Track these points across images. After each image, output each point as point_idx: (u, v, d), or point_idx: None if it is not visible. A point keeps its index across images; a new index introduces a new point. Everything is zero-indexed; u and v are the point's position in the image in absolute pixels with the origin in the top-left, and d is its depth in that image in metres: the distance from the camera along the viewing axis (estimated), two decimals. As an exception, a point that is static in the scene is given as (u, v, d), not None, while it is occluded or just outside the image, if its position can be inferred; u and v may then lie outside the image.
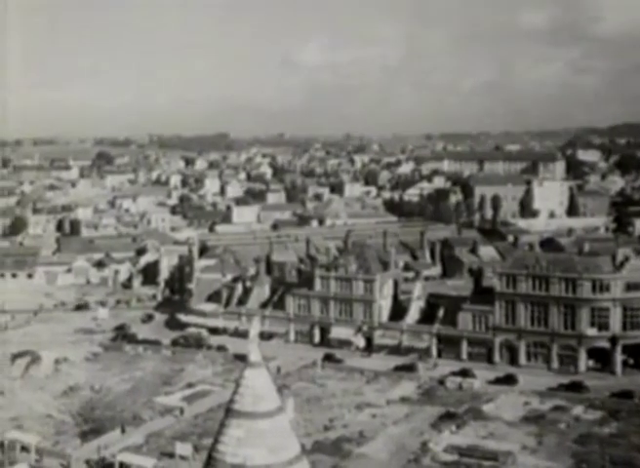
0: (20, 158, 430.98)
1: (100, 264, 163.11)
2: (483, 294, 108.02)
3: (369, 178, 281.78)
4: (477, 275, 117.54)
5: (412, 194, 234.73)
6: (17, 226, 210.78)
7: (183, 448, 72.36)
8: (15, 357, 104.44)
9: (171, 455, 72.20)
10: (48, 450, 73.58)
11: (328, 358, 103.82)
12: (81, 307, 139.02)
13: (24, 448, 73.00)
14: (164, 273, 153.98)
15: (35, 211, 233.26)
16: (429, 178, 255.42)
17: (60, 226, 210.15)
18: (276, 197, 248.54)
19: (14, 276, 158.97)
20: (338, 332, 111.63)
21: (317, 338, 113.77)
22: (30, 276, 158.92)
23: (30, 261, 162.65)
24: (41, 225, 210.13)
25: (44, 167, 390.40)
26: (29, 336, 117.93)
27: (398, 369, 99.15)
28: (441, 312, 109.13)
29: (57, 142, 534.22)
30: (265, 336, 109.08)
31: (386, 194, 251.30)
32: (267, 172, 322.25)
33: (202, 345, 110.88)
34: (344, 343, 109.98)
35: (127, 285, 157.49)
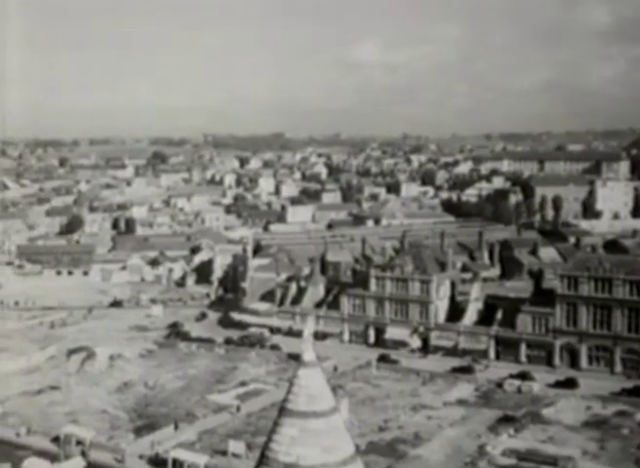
0: (76, 157, 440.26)
1: (154, 262, 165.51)
2: (543, 296, 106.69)
3: (426, 178, 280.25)
4: (537, 277, 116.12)
5: (470, 194, 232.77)
6: (73, 224, 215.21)
7: (236, 446, 72.98)
8: (70, 353, 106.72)
9: (224, 453, 72.86)
10: (102, 445, 74.94)
11: (383, 358, 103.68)
12: (116, 304, 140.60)
13: (80, 442, 74.42)
14: (218, 272, 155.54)
15: (91, 209, 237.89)
16: (488, 178, 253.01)
17: (115, 224, 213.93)
18: (331, 197, 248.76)
19: (70, 273, 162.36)
20: (393, 333, 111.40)
21: (372, 339, 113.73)
22: (86, 273, 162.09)
23: (86, 259, 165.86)
24: (97, 223, 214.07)
25: (100, 166, 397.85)
26: (85, 333, 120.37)
27: (455, 370, 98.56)
28: (499, 314, 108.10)
29: (113, 142, 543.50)
30: (320, 336, 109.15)
31: (444, 194, 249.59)
32: (323, 171, 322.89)
33: (264, 345, 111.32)
34: (400, 344, 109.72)
35: (181, 283, 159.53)
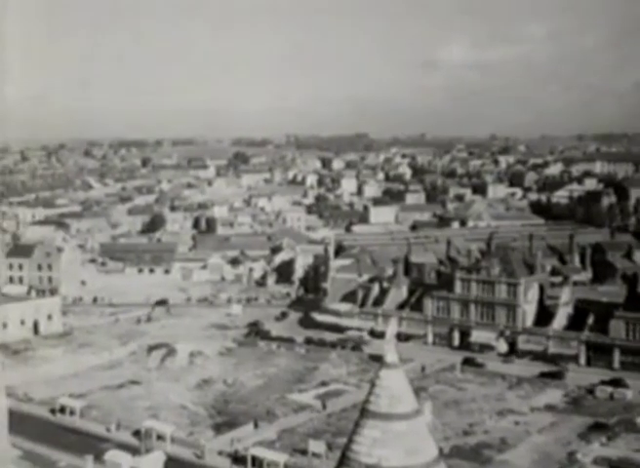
0: (159, 157, 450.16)
1: (234, 262, 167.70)
2: (638, 302, 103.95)
3: (514, 180, 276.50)
4: (632, 281, 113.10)
5: (560, 196, 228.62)
6: (155, 223, 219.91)
7: (317, 446, 73.35)
8: (151, 349, 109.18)
9: (303, 452, 73.31)
10: (182, 440, 76.34)
11: (468, 362, 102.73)
12: (161, 303, 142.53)
13: (160, 437, 75.98)
14: (299, 272, 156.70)
15: (173, 208, 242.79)
16: (580, 180, 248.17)
17: (196, 224, 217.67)
18: (415, 198, 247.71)
19: (151, 271, 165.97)
20: (478, 336, 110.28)
21: (456, 341, 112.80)
22: (167, 271, 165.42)
23: (167, 257, 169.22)
24: (178, 223, 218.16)
25: (182, 166, 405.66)
26: (165, 329, 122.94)
27: (543, 375, 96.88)
28: (591, 319, 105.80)
29: (195, 143, 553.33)
30: (402, 338, 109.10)
31: (533, 196, 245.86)
32: (407, 172, 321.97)
33: (361, 349, 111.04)
34: (485, 347, 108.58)
35: (261, 282, 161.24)
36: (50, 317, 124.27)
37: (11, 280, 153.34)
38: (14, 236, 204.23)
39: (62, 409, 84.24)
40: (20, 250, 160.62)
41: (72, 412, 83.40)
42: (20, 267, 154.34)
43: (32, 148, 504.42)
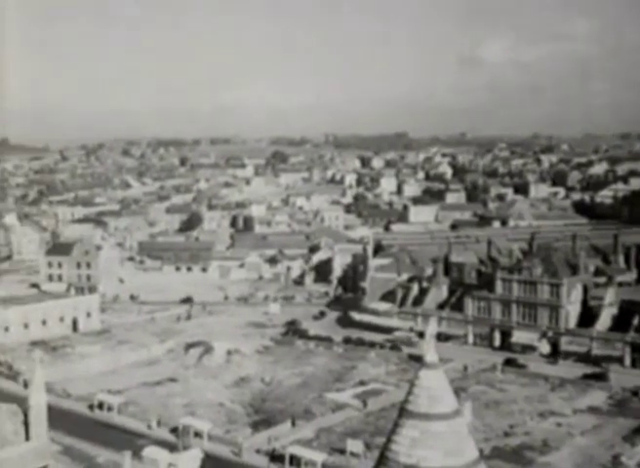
0: (197, 157, 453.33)
1: (272, 260, 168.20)
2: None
3: (557, 179, 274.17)
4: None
5: (605, 196, 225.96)
6: (192, 222, 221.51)
7: (355, 445, 73.19)
8: (189, 346, 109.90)
9: (341, 452, 73.19)
10: (219, 437, 76.65)
11: (509, 362, 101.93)
12: (187, 300, 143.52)
13: (197, 434, 76.41)
14: (337, 271, 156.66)
15: (210, 207, 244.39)
16: (625, 179, 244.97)
17: (233, 222, 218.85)
18: (456, 197, 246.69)
19: (189, 269, 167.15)
20: (520, 337, 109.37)
21: (497, 342, 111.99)
22: (205, 270, 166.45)
23: (205, 256, 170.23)
24: (216, 221, 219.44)
25: (220, 165, 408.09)
26: (203, 328, 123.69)
27: (586, 377, 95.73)
28: (636, 320, 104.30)
29: (233, 142, 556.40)
30: (442, 338, 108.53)
31: (576, 195, 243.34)
32: (447, 171, 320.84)
33: (400, 349, 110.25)
34: (527, 348, 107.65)
35: (299, 281, 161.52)
36: (88, 314, 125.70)
37: (50, 278, 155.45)
38: (53, 234, 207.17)
39: (101, 406, 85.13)
40: (59, 248, 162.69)
41: (110, 409, 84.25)
42: (60, 265, 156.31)
43: (72, 148, 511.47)
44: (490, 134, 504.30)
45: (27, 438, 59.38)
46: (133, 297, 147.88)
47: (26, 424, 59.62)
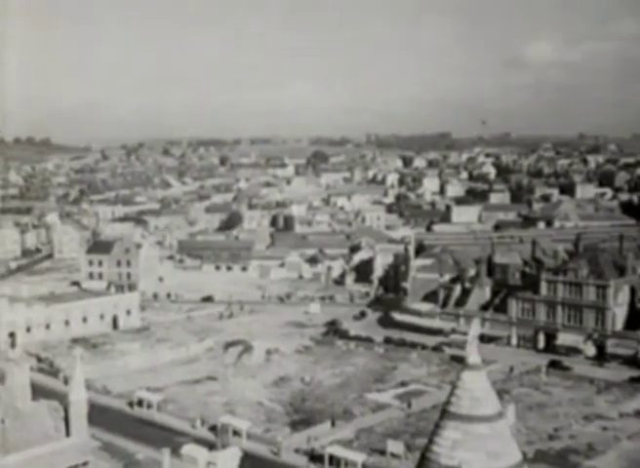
0: (237, 156, 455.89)
1: (312, 260, 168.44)
2: None
3: (604, 180, 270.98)
4: None
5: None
6: (232, 221, 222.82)
7: (395, 446, 72.97)
8: (228, 345, 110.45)
9: (382, 452, 73.00)
10: (258, 436, 76.91)
11: (553, 364, 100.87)
12: (208, 299, 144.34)
13: (236, 433, 76.73)
14: (378, 271, 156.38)
15: (250, 206, 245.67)
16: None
17: (273, 222, 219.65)
18: (500, 197, 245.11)
19: (229, 268, 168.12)
20: (565, 339, 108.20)
21: (542, 344, 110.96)
22: (244, 269, 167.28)
23: (244, 255, 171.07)
24: (255, 220, 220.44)
25: (260, 165, 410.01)
26: (242, 326, 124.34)
27: (633, 380, 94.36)
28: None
29: (273, 141, 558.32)
30: (485, 339, 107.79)
31: (624, 196, 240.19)
32: (491, 171, 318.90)
33: (442, 350, 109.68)
34: (572, 351, 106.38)
35: (339, 281, 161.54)
36: (128, 312, 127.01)
37: (91, 276, 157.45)
38: (94, 233, 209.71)
39: (140, 403, 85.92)
40: (99, 246, 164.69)
41: (149, 406, 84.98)
42: (100, 263, 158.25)
43: (113, 147, 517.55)
44: (535, 134, 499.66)
45: (68, 434, 60.18)
46: (169, 296, 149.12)
47: (67, 420, 60.43)
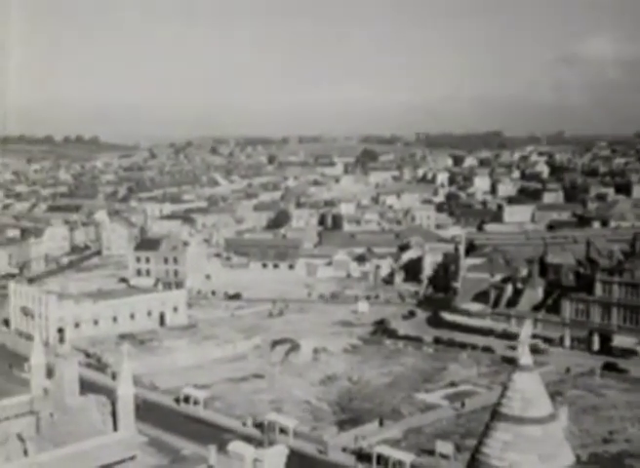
0: (285, 155, 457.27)
1: (361, 259, 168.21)
2: None
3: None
4: None
5: None
6: (280, 219, 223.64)
7: (445, 447, 72.49)
8: (275, 343, 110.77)
9: (430, 453, 72.59)
10: (305, 435, 76.99)
11: (608, 367, 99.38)
12: (234, 297, 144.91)
13: (283, 431, 76.90)
14: (427, 270, 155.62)
15: (298, 205, 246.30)
16: None
17: (321, 220, 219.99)
18: (553, 196, 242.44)
19: (275, 266, 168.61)
20: (621, 341, 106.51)
21: (596, 346, 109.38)
22: (292, 267, 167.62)
23: (292, 253, 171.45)
24: (303, 219, 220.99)
25: (308, 163, 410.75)
26: (289, 325, 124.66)
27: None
28: None
29: (322, 140, 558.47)
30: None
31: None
32: (544, 170, 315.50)
33: (493, 350, 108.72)
34: (628, 353, 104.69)
35: (388, 280, 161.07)
36: (175, 309, 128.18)
37: (138, 272, 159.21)
38: (142, 230, 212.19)
39: (187, 399, 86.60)
40: (147, 243, 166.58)
41: (196, 402, 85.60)
42: (148, 260, 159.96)
43: (161, 146, 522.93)
44: (589, 132, 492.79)
45: (115, 428, 60.86)
46: (214, 293, 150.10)
47: (114, 415, 61.14)
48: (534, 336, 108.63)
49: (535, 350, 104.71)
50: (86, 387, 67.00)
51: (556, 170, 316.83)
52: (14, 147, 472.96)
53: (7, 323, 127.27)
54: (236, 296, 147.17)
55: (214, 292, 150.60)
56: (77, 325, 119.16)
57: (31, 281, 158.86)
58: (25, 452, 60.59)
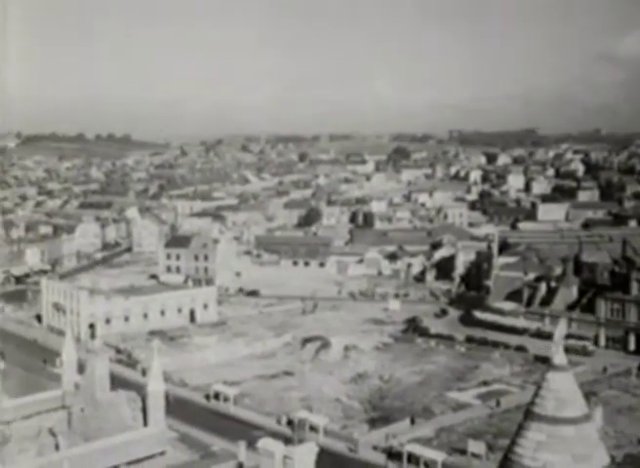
0: (316, 152, 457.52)
1: (392, 257, 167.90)
2: None
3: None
4: None
5: None
6: (311, 217, 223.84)
7: (476, 446, 72.15)
8: (305, 341, 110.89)
9: (462, 452, 72.28)
10: (336, 433, 77.00)
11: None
12: (252, 294, 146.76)
13: (313, 429, 76.97)
14: (459, 268, 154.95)
15: (329, 202, 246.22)
16: None
17: (353, 218, 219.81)
18: (588, 195, 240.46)
19: (306, 264, 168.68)
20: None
21: (632, 346, 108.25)
22: (322, 265, 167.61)
23: (323, 251, 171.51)
24: (334, 217, 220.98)
25: (339, 161, 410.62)
26: (320, 322, 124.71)
27: None
28: None
29: (353, 138, 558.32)
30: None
31: None
32: (579, 168, 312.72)
33: (526, 350, 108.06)
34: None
35: (419, 278, 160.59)
36: (205, 306, 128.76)
37: (169, 269, 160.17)
38: (172, 227, 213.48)
39: (217, 396, 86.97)
40: (177, 240, 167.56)
41: (226, 399, 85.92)
42: (178, 257, 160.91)
43: (191, 144, 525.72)
44: (626, 130, 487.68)
45: (145, 424, 61.29)
46: (241, 290, 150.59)
47: (144, 411, 61.58)
48: (579, 338, 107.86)
49: (584, 352, 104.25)
50: (116, 383, 67.56)
51: (592, 168, 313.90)
52: (46, 145, 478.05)
53: (39, 318, 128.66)
54: (253, 293, 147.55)
55: (241, 290, 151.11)
56: (108, 321, 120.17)
57: (63, 277, 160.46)
58: (57, 447, 61.25)
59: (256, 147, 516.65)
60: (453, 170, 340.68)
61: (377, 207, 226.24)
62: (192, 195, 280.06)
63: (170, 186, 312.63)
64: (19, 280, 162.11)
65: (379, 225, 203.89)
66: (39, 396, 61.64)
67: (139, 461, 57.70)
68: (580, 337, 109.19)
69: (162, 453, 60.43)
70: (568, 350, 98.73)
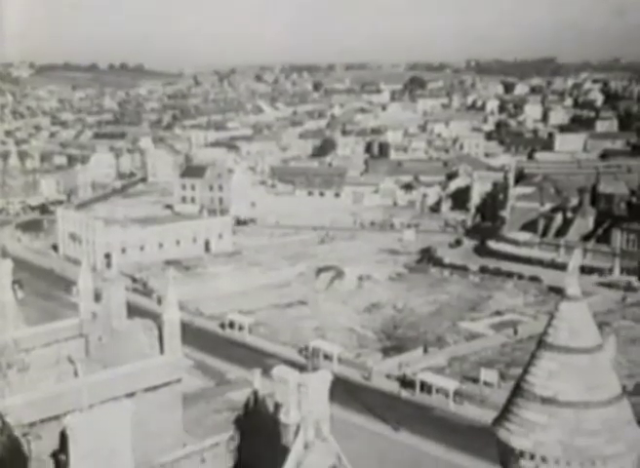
0: (331, 82, 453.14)
1: (407, 187, 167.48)
2: None
3: None
4: None
5: None
6: (325, 147, 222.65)
7: (489, 375, 73.12)
8: (320, 271, 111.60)
9: (474, 380, 73.27)
10: (349, 361, 78.05)
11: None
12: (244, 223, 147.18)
13: (327, 357, 78.05)
14: (475, 199, 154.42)
15: (344, 133, 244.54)
16: None
17: (368, 148, 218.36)
18: (607, 125, 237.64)
19: (321, 194, 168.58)
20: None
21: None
22: (337, 195, 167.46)
23: (338, 181, 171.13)
24: (349, 147, 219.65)
25: (355, 90, 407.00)
26: (335, 253, 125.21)
27: None
28: None
29: (369, 67, 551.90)
30: (586, 271, 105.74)
31: None
32: (598, 98, 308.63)
33: (540, 280, 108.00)
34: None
35: (435, 209, 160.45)
36: (220, 236, 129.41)
37: (183, 199, 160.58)
38: (187, 157, 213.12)
39: (232, 325, 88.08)
40: (192, 171, 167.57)
41: (241, 328, 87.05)
42: (193, 187, 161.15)
43: (205, 73, 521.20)
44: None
45: (162, 352, 62.24)
46: (252, 220, 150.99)
47: (161, 339, 62.48)
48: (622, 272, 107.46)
49: (628, 287, 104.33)
50: (132, 312, 68.39)
51: (611, 97, 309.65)
52: (59, 75, 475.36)
53: (56, 248, 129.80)
54: (245, 223, 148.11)
55: (253, 220, 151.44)
56: (124, 250, 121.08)
57: (79, 207, 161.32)
58: (76, 374, 62.50)
59: (270, 77, 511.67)
60: (469, 99, 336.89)
61: (392, 137, 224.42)
62: (206, 125, 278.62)
63: (183, 116, 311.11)
64: (36, 209, 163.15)
65: (394, 155, 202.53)
66: (57, 324, 62.37)
67: (155, 388, 58.76)
68: (611, 270, 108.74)
69: (178, 381, 61.50)
70: (611, 286, 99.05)
